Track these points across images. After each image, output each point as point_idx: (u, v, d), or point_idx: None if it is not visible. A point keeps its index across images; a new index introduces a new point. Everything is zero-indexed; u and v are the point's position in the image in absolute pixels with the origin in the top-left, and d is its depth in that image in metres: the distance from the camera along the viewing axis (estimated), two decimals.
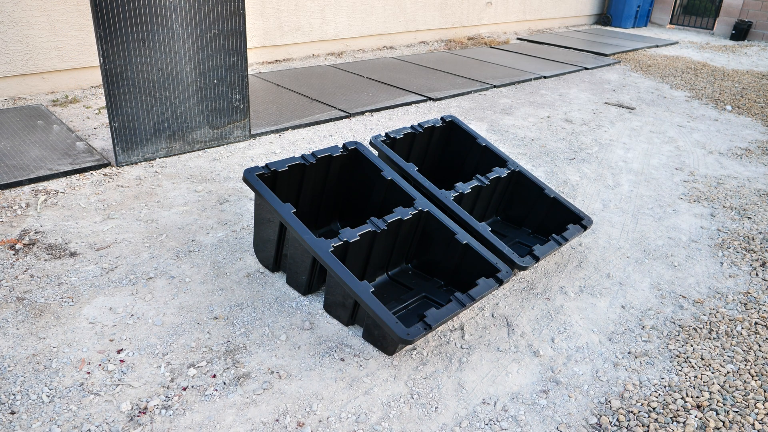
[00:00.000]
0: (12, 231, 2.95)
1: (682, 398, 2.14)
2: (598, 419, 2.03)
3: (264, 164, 2.86)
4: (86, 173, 3.64)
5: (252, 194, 3.49)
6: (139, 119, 3.72)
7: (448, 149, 3.51)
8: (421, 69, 6.84)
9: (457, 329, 2.46)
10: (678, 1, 12.10)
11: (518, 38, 9.54)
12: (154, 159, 3.86)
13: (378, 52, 7.81)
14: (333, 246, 2.29)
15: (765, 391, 2.20)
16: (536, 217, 3.19)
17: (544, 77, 6.97)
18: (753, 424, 2.03)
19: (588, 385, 2.19)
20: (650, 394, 2.16)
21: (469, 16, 9.16)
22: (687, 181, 4.18)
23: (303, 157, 2.70)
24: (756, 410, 2.10)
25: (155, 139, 3.85)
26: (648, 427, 2.00)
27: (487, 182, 3.02)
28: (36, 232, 2.95)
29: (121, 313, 2.41)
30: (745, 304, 2.76)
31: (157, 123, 3.80)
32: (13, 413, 1.89)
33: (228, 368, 2.15)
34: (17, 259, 2.71)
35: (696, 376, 2.27)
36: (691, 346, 2.44)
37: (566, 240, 2.83)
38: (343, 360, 2.24)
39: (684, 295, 2.81)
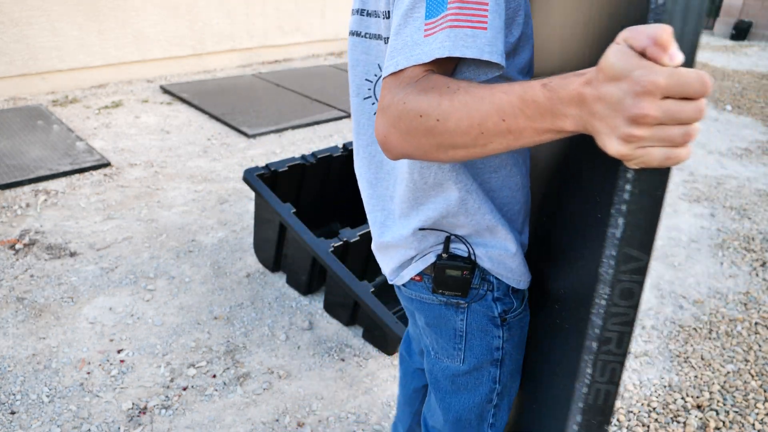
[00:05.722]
0: (12, 231, 2.95)
1: (682, 398, 2.14)
2: None
3: (264, 164, 2.86)
4: (86, 173, 3.64)
5: (252, 194, 3.49)
6: None
7: None
8: None
9: None
10: None
11: None
12: None
13: None
14: (333, 246, 2.29)
15: (765, 391, 2.20)
16: None
17: None
18: (753, 424, 2.03)
19: None
20: (650, 394, 2.16)
21: None
22: (687, 181, 4.18)
23: (303, 157, 2.70)
24: (756, 410, 2.09)
25: None
26: (648, 427, 2.00)
27: None
28: (36, 232, 2.95)
29: (121, 313, 2.41)
30: (745, 304, 2.76)
31: None
32: (13, 413, 1.89)
33: (228, 368, 2.15)
34: (17, 259, 2.71)
35: (696, 376, 2.27)
36: (691, 346, 2.44)
37: None
38: (343, 360, 2.24)
39: (684, 295, 2.81)
